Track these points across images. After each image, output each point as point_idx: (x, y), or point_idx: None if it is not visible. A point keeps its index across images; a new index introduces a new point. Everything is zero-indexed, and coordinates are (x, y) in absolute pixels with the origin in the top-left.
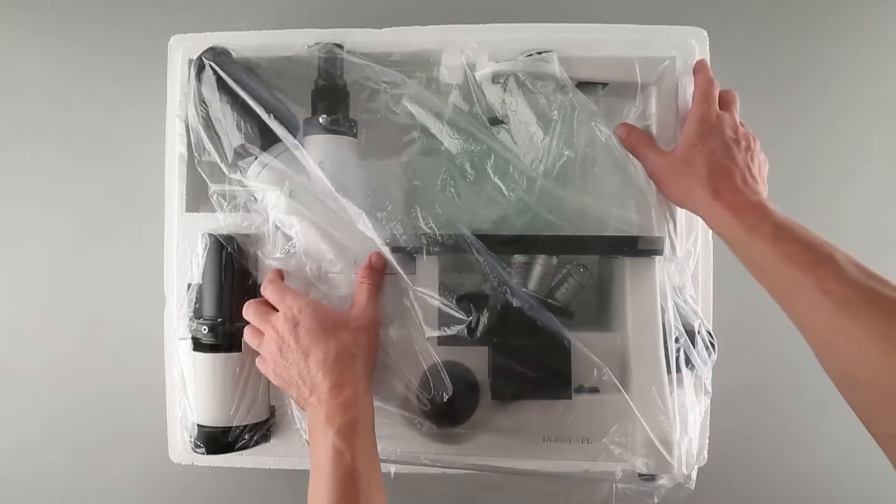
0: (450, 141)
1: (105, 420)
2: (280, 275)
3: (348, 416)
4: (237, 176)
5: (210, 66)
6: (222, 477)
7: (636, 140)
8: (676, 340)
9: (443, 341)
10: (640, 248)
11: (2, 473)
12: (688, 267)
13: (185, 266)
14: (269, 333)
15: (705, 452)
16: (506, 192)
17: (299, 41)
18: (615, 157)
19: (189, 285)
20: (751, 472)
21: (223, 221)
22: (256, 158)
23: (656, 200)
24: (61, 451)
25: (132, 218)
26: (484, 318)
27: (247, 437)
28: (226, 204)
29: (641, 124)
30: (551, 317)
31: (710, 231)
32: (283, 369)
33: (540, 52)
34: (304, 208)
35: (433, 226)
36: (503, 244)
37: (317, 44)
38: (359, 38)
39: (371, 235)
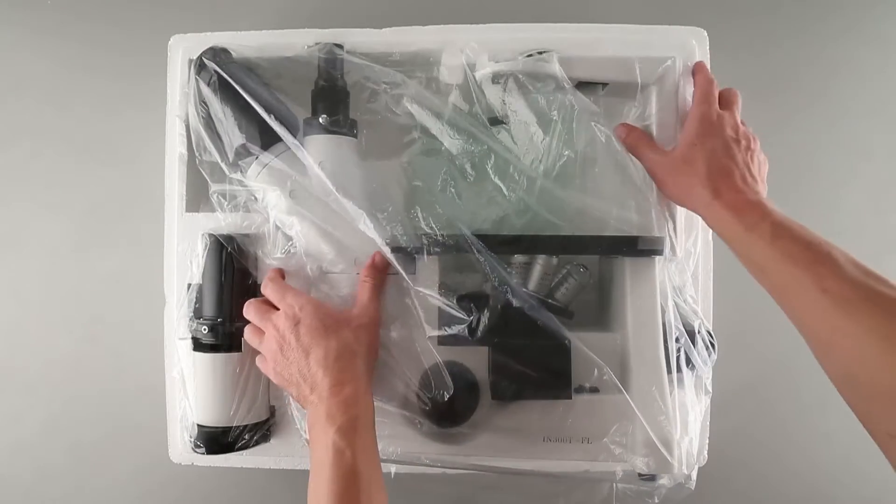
0: (450, 141)
1: (105, 420)
2: (280, 273)
3: (349, 414)
4: (237, 176)
5: (210, 66)
6: (222, 477)
7: (636, 139)
8: (676, 340)
9: (443, 341)
10: (640, 248)
11: (2, 473)
12: (688, 267)
13: (185, 266)
14: (270, 332)
15: (705, 452)
16: (506, 192)
17: (299, 41)
18: (615, 157)
19: (189, 285)
20: (751, 472)
21: (223, 221)
22: (257, 158)
23: (656, 200)
24: (61, 451)
25: (132, 218)
26: (484, 318)
27: (247, 437)
28: (226, 204)
29: (641, 124)
30: (551, 317)
31: (710, 231)
32: (283, 367)
33: (540, 52)
34: (305, 208)
35: (433, 226)
36: (503, 244)
37: (317, 44)
38: (359, 39)
39: (371, 235)
